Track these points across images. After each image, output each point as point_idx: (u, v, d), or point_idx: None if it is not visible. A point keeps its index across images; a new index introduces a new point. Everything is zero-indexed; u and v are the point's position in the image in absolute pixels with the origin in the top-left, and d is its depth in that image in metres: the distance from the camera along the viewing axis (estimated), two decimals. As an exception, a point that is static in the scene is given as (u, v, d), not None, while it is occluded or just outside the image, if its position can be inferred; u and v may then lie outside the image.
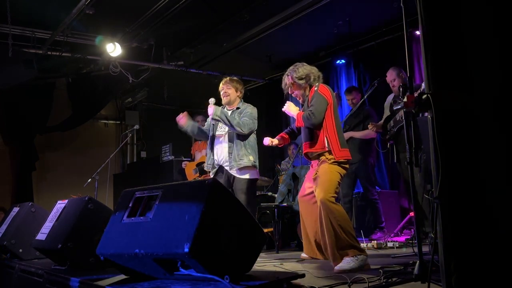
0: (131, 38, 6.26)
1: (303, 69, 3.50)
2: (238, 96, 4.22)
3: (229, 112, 4.12)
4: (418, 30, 1.82)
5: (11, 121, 7.64)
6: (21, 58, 5.97)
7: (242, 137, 4.02)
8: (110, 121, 9.10)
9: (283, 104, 3.57)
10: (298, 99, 3.62)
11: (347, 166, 3.38)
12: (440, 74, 1.71)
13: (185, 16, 5.57)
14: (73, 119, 8.08)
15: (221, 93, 4.21)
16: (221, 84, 4.24)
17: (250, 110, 4.11)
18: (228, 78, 4.28)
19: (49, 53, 6.31)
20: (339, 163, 3.31)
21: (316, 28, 6.00)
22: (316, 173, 3.37)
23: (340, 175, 3.32)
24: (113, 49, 6.15)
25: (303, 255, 3.69)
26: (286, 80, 3.55)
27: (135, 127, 7.18)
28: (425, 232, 4.53)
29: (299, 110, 3.53)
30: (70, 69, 7.56)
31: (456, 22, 1.70)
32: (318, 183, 3.30)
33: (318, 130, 3.37)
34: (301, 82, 3.47)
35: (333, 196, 3.23)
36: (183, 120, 4.27)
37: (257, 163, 4.09)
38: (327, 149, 3.32)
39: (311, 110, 3.32)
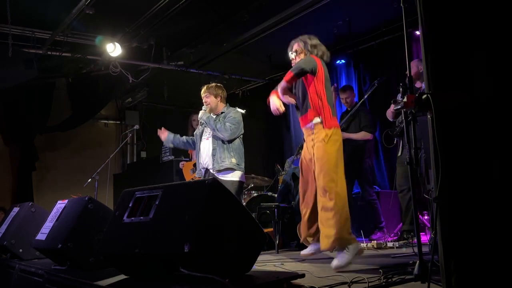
0: (131, 38, 6.25)
1: (317, 40, 3.58)
2: (219, 101, 4.36)
3: (214, 117, 4.27)
4: (418, 30, 1.81)
5: (11, 121, 7.63)
6: (21, 58, 5.96)
7: (226, 140, 4.17)
8: (110, 121, 9.09)
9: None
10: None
11: (339, 136, 3.38)
12: (440, 74, 1.71)
13: (185, 16, 5.57)
14: (73, 119, 8.07)
15: (203, 101, 4.36)
16: (201, 94, 4.36)
17: (233, 115, 4.24)
18: (205, 86, 4.40)
19: (49, 53, 6.30)
20: (330, 137, 3.29)
21: (316, 28, 5.97)
22: (313, 154, 3.38)
23: (337, 151, 3.32)
24: (113, 49, 6.15)
25: (303, 252, 3.62)
26: (296, 46, 3.58)
27: (135, 127, 7.18)
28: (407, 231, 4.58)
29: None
30: (70, 69, 7.55)
31: (456, 22, 1.70)
32: (317, 168, 3.31)
33: (313, 97, 3.39)
34: (313, 50, 3.51)
35: (332, 179, 3.22)
36: (163, 134, 4.54)
37: (241, 166, 4.21)
38: (319, 120, 3.34)
39: (299, 63, 3.33)
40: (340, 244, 3.12)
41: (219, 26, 5.98)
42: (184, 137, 4.63)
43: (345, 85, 5.94)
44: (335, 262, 3.04)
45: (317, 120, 3.37)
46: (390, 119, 4.81)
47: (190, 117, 6.57)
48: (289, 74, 3.33)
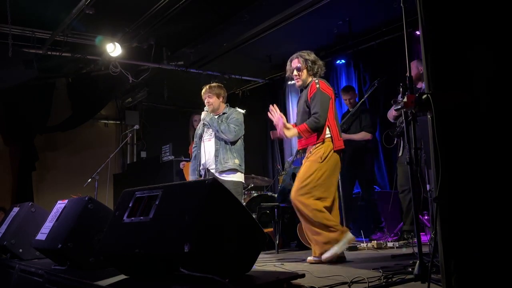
0: (131, 38, 6.25)
1: (314, 55, 3.65)
2: (221, 101, 4.38)
3: (216, 118, 4.28)
4: (418, 30, 1.81)
5: (11, 121, 7.63)
6: (21, 58, 5.96)
7: (230, 141, 4.19)
8: (110, 121, 9.08)
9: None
10: (297, 83, 3.68)
11: (336, 158, 3.48)
12: (440, 74, 1.71)
13: (185, 16, 5.57)
14: (73, 119, 8.07)
15: (204, 102, 4.36)
16: (202, 94, 4.36)
17: (236, 116, 4.26)
18: (207, 86, 4.42)
19: (49, 53, 6.30)
20: (327, 157, 3.40)
21: (316, 28, 5.99)
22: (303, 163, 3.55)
23: (329, 170, 3.41)
24: (113, 49, 6.15)
25: (310, 258, 3.60)
26: (297, 62, 3.63)
27: (135, 127, 7.18)
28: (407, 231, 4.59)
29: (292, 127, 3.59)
30: (70, 69, 7.55)
31: (456, 22, 1.70)
32: (297, 179, 3.51)
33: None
34: (313, 66, 3.59)
35: (305, 193, 3.39)
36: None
37: (242, 167, 4.25)
38: (328, 135, 3.44)
39: (316, 116, 3.41)
40: (327, 248, 3.33)
41: (219, 26, 5.98)
42: (193, 155, 4.59)
43: (347, 86, 5.93)
44: (324, 255, 3.32)
45: (328, 135, 3.45)
46: (391, 120, 4.80)
47: (191, 117, 6.57)
48: (307, 132, 3.43)
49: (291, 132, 3.52)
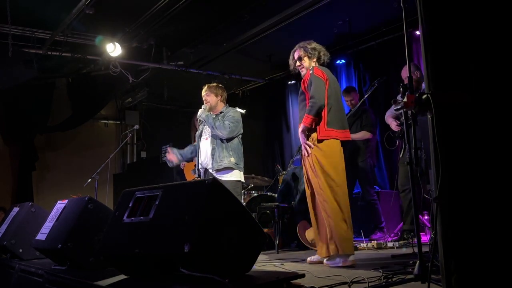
0: (131, 38, 6.25)
1: (315, 43, 3.67)
2: (219, 100, 4.40)
3: (213, 116, 4.30)
4: (418, 30, 1.82)
5: (11, 121, 7.63)
6: (21, 58, 5.96)
7: (225, 139, 4.20)
8: (110, 121, 9.09)
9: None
10: (301, 72, 3.68)
11: (333, 145, 3.42)
12: (440, 74, 1.71)
13: (185, 16, 5.57)
14: (73, 119, 8.07)
15: (203, 100, 4.41)
16: (202, 92, 4.38)
17: (232, 114, 4.29)
18: (207, 85, 4.46)
19: (49, 53, 6.30)
20: (321, 148, 3.38)
21: (316, 28, 5.99)
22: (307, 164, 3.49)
23: (322, 161, 3.37)
24: (113, 49, 6.15)
25: (310, 259, 3.60)
26: (297, 53, 3.65)
27: (135, 127, 7.18)
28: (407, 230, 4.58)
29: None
30: (70, 69, 7.55)
31: (456, 22, 1.70)
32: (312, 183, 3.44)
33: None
34: (314, 52, 3.60)
35: (327, 189, 3.34)
36: (171, 156, 4.59)
37: (240, 166, 4.24)
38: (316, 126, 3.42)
39: (312, 100, 3.40)
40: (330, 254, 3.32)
41: (219, 26, 5.98)
42: (187, 146, 4.63)
43: (348, 87, 5.93)
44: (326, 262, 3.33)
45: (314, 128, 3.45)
46: (395, 129, 4.76)
47: (193, 118, 6.59)
48: (308, 118, 3.39)
49: (300, 131, 3.47)
